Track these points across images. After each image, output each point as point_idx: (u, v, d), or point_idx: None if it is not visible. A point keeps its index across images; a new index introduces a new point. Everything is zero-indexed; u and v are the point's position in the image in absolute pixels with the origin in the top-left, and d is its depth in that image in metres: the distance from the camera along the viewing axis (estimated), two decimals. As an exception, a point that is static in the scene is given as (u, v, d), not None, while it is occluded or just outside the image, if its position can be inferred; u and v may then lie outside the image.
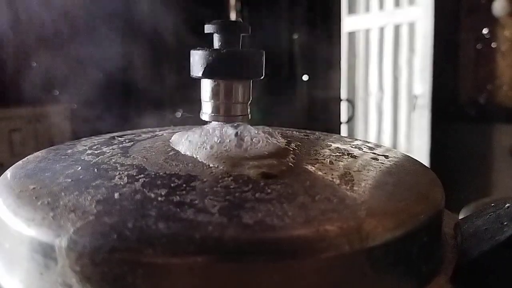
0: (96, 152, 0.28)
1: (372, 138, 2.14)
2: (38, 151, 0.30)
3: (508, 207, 0.25)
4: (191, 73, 0.28)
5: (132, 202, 0.21)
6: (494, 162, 1.77)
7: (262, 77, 0.29)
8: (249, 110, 0.29)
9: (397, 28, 2.03)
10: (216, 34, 0.28)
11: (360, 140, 0.33)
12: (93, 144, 0.30)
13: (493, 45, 1.76)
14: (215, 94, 0.28)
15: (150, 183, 0.22)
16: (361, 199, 0.22)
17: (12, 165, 0.28)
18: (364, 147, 0.31)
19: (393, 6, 2.04)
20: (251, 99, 0.29)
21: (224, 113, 0.28)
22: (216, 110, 0.28)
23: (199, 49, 0.27)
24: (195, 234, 0.18)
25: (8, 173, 0.26)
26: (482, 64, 1.79)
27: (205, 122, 0.30)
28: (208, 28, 0.28)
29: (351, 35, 2.19)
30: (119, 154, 0.27)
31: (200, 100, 0.29)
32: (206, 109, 0.29)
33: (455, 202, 0.43)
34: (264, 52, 0.29)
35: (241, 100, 0.28)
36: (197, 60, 0.27)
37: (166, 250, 0.18)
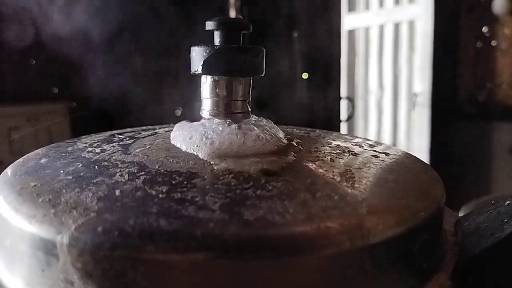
0: (96, 149, 0.28)
1: (372, 136, 2.14)
2: (38, 149, 0.30)
3: (508, 204, 0.25)
4: (191, 70, 0.28)
5: (133, 199, 0.21)
6: (494, 160, 1.77)
7: (263, 75, 0.29)
8: (249, 107, 0.29)
9: (397, 26, 2.03)
10: (217, 31, 0.28)
11: (361, 137, 0.33)
12: (93, 141, 0.30)
13: (493, 43, 1.76)
14: (215, 91, 0.28)
15: (151, 180, 0.22)
16: (362, 196, 0.22)
17: (11, 163, 0.28)
18: (365, 145, 0.31)
19: (393, 4, 2.04)
20: (251, 96, 0.29)
21: (224, 110, 0.28)
22: (216, 107, 0.28)
23: (199, 46, 0.27)
24: (196, 231, 0.18)
25: (9, 170, 0.26)
26: (482, 62, 1.79)
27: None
28: (208, 25, 0.28)
29: (351, 33, 2.19)
30: (119, 152, 0.27)
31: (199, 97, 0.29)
32: (206, 106, 0.29)
33: (456, 200, 0.43)
34: (264, 49, 0.28)
35: (241, 97, 0.28)
36: (197, 56, 0.27)
37: (167, 246, 0.18)
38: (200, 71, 0.27)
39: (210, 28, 0.28)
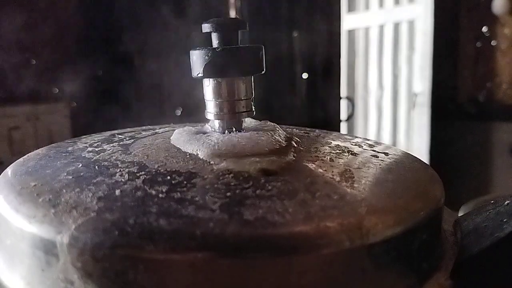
0: (96, 149, 0.28)
1: (371, 136, 2.14)
2: (38, 148, 0.30)
3: (507, 204, 0.25)
4: (192, 74, 0.28)
5: (133, 199, 0.21)
6: (493, 160, 1.77)
7: (263, 72, 0.29)
8: (253, 106, 0.29)
9: (396, 26, 2.03)
10: (214, 33, 0.28)
11: (360, 137, 0.33)
12: (93, 141, 0.30)
13: (493, 43, 1.76)
14: (217, 92, 0.28)
15: (151, 180, 0.23)
16: (361, 196, 0.22)
17: (11, 163, 0.28)
18: (364, 145, 0.31)
19: (392, 4, 2.04)
20: (254, 94, 0.29)
21: (229, 111, 0.28)
22: (220, 108, 0.28)
23: (197, 49, 0.27)
24: (196, 231, 0.19)
25: (9, 170, 0.26)
26: (482, 62, 1.79)
27: (203, 120, 0.30)
28: (205, 27, 0.28)
29: (351, 33, 2.19)
30: (119, 152, 0.27)
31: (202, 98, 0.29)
32: (210, 108, 0.29)
33: (455, 200, 0.43)
34: (263, 46, 0.29)
35: (244, 97, 0.29)
36: (197, 60, 0.27)
37: (167, 246, 0.18)
38: (202, 74, 0.27)
39: (207, 30, 0.28)
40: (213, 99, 0.28)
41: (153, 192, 0.21)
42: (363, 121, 2.23)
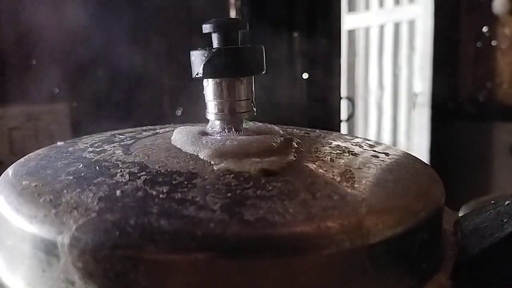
0: (97, 149, 0.28)
1: (372, 136, 2.14)
2: (39, 149, 0.30)
3: (508, 204, 0.25)
4: (192, 74, 0.28)
5: (134, 199, 0.21)
6: (493, 160, 1.77)
7: (263, 72, 0.29)
8: (253, 106, 0.29)
9: (397, 26, 2.03)
10: (214, 33, 0.28)
11: (361, 137, 0.33)
12: (94, 141, 0.30)
13: (493, 43, 1.76)
14: (218, 93, 0.28)
15: (151, 180, 0.23)
16: (361, 196, 0.22)
17: (12, 163, 0.28)
18: (365, 145, 0.31)
19: (393, 4, 2.04)
20: (254, 95, 0.29)
21: (229, 111, 0.28)
22: (220, 108, 0.29)
23: (198, 50, 0.27)
24: (196, 231, 0.19)
25: (10, 170, 0.26)
26: (482, 62, 1.79)
27: (204, 120, 0.30)
28: (206, 28, 0.28)
29: (351, 33, 2.19)
30: (120, 152, 0.27)
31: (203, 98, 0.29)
32: (211, 108, 0.29)
33: (455, 200, 0.43)
34: (263, 46, 0.29)
35: (245, 97, 0.29)
36: (197, 60, 0.27)
37: (168, 246, 0.18)
38: (201, 74, 0.27)
39: (207, 31, 0.28)
40: (213, 100, 0.28)
41: (154, 193, 0.21)
42: (363, 121, 2.23)
